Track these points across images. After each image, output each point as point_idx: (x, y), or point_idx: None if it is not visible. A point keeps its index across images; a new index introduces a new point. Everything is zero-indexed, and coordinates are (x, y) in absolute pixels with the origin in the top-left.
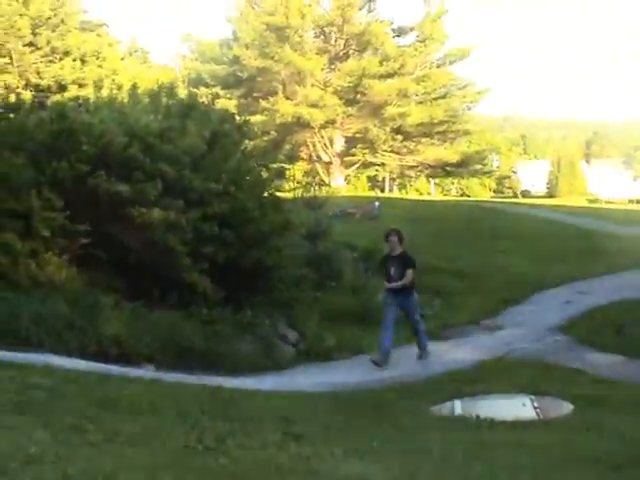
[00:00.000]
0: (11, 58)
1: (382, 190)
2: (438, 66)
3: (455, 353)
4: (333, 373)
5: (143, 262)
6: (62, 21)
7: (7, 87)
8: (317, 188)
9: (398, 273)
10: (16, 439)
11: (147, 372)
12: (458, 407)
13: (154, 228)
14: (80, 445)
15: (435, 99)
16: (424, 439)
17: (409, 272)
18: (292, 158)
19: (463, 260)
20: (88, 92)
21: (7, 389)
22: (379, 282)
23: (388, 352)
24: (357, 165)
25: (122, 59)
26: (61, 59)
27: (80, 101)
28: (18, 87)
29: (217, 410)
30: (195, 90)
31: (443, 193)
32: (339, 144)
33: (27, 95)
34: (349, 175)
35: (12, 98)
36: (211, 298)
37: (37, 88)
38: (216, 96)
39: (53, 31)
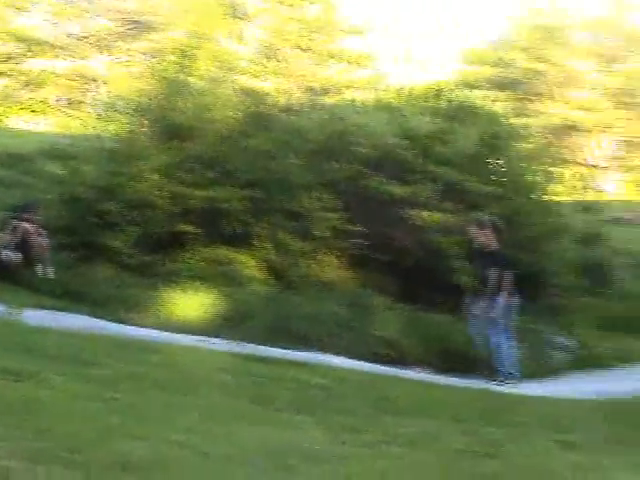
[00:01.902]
0: (283, 61)
1: None
2: None
3: None
4: (606, 381)
5: (416, 264)
6: (331, 25)
7: (281, 90)
8: (589, 192)
9: (484, 273)
10: (296, 436)
11: (421, 374)
12: None
13: (427, 230)
14: (357, 445)
15: None
16: None
17: (498, 275)
18: (563, 161)
19: None
20: (359, 95)
21: (285, 387)
22: None
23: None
24: (631, 170)
25: (391, 62)
26: (331, 62)
27: (352, 103)
28: (291, 90)
29: (490, 415)
30: (467, 93)
31: None
32: (612, 148)
33: (300, 97)
34: (623, 180)
35: (286, 100)
36: None
37: (309, 91)
38: (489, 98)
39: (323, 35)
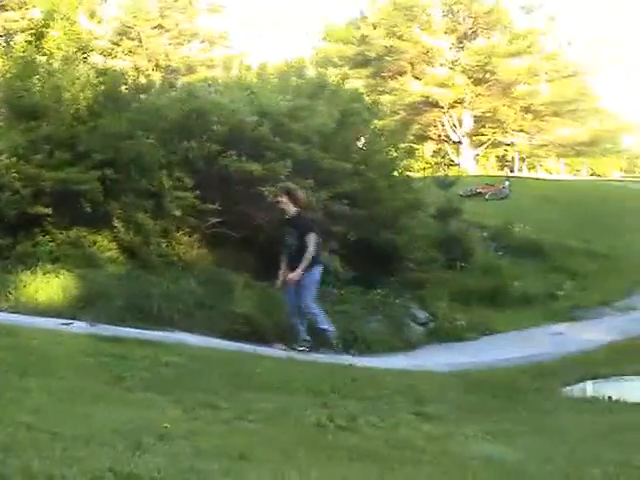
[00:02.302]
0: (140, 41)
1: (511, 170)
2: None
3: (587, 334)
4: (463, 353)
5: (273, 241)
6: (189, 3)
7: (137, 69)
8: (446, 167)
9: (294, 240)
10: (149, 415)
11: (278, 350)
12: (590, 388)
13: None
14: (213, 422)
15: (565, 77)
16: (556, 421)
17: (309, 239)
18: (421, 137)
19: (595, 240)
20: (217, 73)
21: (140, 366)
22: (509, 262)
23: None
24: (486, 144)
25: (250, 40)
26: (189, 41)
27: (209, 82)
28: (147, 69)
29: (348, 389)
30: (324, 70)
31: (573, 172)
32: (468, 123)
33: (156, 76)
34: (478, 154)
35: (142, 79)
36: (341, 278)
37: (166, 70)
38: (345, 76)
39: (181, 14)
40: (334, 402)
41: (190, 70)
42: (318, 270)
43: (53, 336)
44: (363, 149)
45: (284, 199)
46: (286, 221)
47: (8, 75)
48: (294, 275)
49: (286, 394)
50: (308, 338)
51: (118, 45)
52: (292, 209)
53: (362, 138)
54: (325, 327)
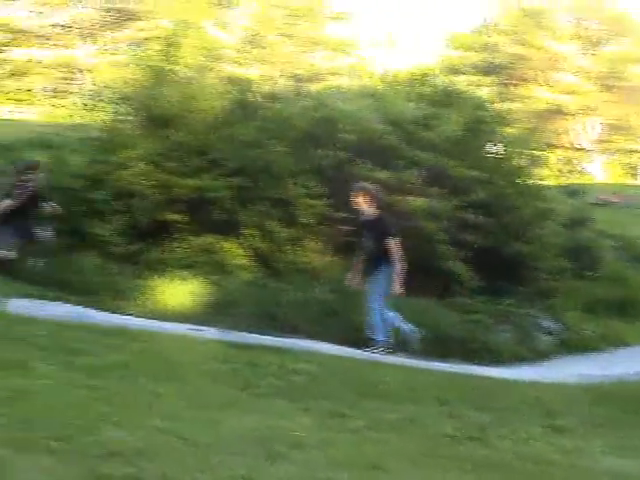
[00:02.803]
0: (267, 49)
1: None
2: None
3: None
4: (594, 365)
5: (403, 250)
6: (315, 12)
7: (265, 77)
8: (575, 175)
9: (371, 243)
10: (279, 423)
11: (405, 360)
12: None
13: (414, 216)
14: (343, 431)
15: None
16: None
17: (390, 243)
18: (548, 145)
19: None
20: (343, 81)
21: (269, 374)
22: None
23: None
24: (615, 152)
25: (375, 48)
26: (315, 49)
27: (337, 89)
28: (274, 77)
29: (476, 399)
30: (451, 78)
31: None
32: (596, 131)
33: (284, 84)
34: (607, 162)
35: (270, 88)
36: (470, 286)
37: (293, 78)
38: (477, 83)
39: (307, 22)
40: (460, 412)
41: (316, 78)
42: (387, 270)
43: (183, 342)
44: (493, 157)
45: (360, 200)
46: (363, 223)
47: (142, 84)
48: (399, 288)
49: (411, 403)
50: (415, 330)
51: (247, 53)
52: (369, 210)
53: (491, 146)
54: (377, 334)
